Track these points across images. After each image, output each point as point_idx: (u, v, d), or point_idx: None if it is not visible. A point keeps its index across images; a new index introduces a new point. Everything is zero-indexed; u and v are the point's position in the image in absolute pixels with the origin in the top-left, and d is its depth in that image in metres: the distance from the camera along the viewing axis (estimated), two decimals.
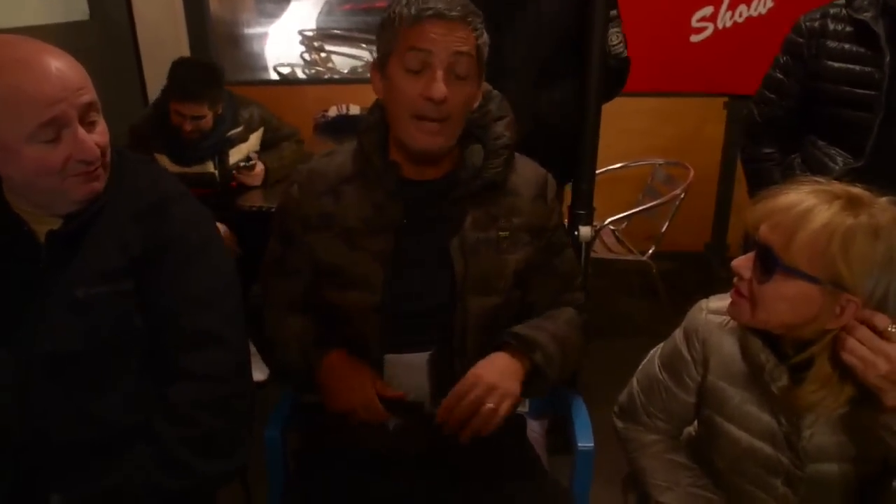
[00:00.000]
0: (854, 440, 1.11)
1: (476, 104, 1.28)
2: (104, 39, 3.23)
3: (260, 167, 2.68)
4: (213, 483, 1.15)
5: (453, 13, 1.16)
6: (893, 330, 1.00)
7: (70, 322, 1.08)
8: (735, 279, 1.12)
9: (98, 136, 1.06)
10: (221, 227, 2.47)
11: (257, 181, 2.67)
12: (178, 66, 2.49)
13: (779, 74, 1.84)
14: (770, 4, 3.26)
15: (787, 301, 1.04)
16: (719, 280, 3.14)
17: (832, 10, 1.73)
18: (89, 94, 1.03)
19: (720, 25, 3.31)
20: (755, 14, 3.28)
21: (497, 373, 1.24)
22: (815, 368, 1.05)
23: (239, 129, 2.65)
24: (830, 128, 1.76)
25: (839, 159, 1.72)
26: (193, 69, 2.51)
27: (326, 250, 1.29)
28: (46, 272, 1.09)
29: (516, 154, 1.36)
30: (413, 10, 1.16)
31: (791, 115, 1.84)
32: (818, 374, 1.05)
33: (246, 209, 2.56)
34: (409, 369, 1.28)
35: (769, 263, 1.04)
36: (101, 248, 1.10)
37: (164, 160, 2.56)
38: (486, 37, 1.22)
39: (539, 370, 1.27)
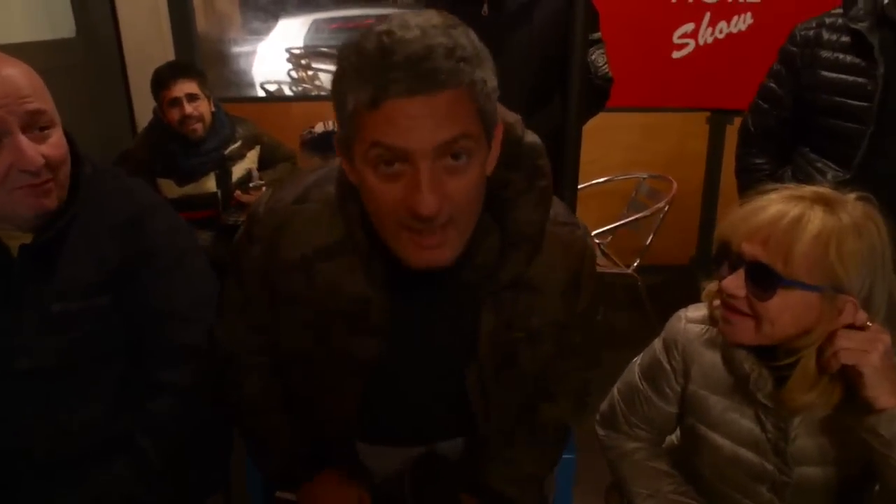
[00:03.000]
0: (836, 443, 1.11)
1: (491, 168, 0.92)
2: (91, 56, 3.23)
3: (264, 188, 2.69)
4: (193, 496, 1.15)
5: (437, 79, 0.77)
6: (871, 324, 1.02)
7: (46, 337, 1.07)
8: (726, 298, 1.08)
9: (48, 148, 1.02)
10: None
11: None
12: (158, 68, 2.54)
13: (772, 84, 1.81)
14: (750, 21, 3.32)
15: (789, 313, 1.03)
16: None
17: (828, 20, 1.70)
18: (36, 103, 1.00)
19: (701, 41, 3.37)
20: (735, 30, 3.34)
21: None
22: (801, 370, 1.05)
23: (237, 144, 2.67)
24: (821, 139, 1.73)
25: (829, 173, 1.69)
26: (172, 62, 2.61)
27: (294, 338, 1.05)
28: (21, 287, 1.07)
29: (548, 226, 1.02)
30: (371, 83, 0.78)
31: (783, 126, 1.81)
32: (805, 374, 1.05)
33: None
34: (387, 459, 1.18)
35: (769, 281, 1.02)
36: (77, 262, 1.09)
37: (167, 185, 2.57)
38: (491, 82, 0.86)
39: None
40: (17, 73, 1.00)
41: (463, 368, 1.03)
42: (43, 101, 1.02)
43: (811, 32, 1.71)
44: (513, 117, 0.99)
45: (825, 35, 1.68)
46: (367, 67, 0.79)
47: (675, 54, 3.40)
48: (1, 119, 0.97)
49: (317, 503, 1.11)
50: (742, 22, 3.33)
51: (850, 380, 1.03)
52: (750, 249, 1.04)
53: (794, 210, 1.02)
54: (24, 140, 0.99)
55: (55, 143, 1.04)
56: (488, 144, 0.88)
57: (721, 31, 3.35)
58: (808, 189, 1.06)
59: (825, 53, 1.68)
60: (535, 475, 1.20)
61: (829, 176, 1.69)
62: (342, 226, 0.98)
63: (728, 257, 1.07)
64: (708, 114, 3.60)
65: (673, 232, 3.49)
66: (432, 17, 0.82)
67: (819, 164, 1.72)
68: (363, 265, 0.97)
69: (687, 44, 3.38)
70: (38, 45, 2.87)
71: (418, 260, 0.88)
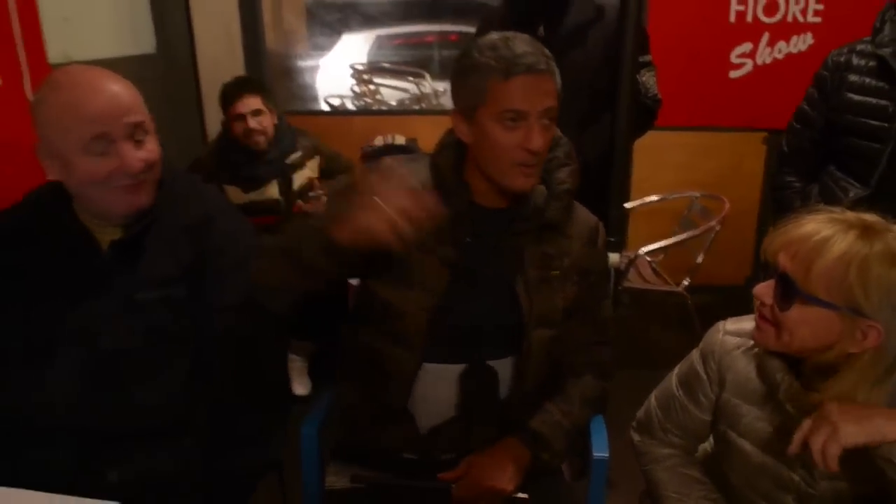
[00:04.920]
0: (862, 459, 1.13)
1: None
2: (168, 71, 3.44)
3: (324, 197, 2.82)
4: (249, 472, 1.24)
5: (541, 66, 1.22)
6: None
7: (128, 322, 1.20)
8: (757, 304, 1.16)
9: (145, 153, 1.19)
10: None
11: (319, 209, 2.80)
12: (225, 83, 2.72)
13: (805, 106, 1.93)
14: (810, 41, 3.30)
15: (808, 326, 1.08)
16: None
17: (859, 46, 1.81)
18: (138, 116, 1.17)
19: (759, 62, 3.36)
20: (795, 51, 3.32)
21: (490, 472, 1.32)
22: (835, 387, 1.08)
23: (298, 154, 2.81)
24: (845, 158, 1.83)
25: (851, 190, 1.78)
26: (238, 78, 2.77)
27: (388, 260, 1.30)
28: (108, 277, 1.22)
29: (575, 202, 1.42)
30: (503, 65, 1.20)
31: (814, 146, 1.91)
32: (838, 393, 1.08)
33: None
34: (440, 380, 1.36)
35: (789, 291, 1.08)
36: (157, 256, 1.23)
37: (233, 191, 2.72)
38: (559, 79, 1.27)
39: (543, 467, 1.37)
40: (122, 90, 1.17)
41: (512, 281, 1.33)
42: (142, 113, 1.19)
43: (842, 58, 1.83)
44: (557, 131, 1.36)
45: (855, 60, 1.80)
46: (500, 52, 1.21)
47: (733, 74, 3.40)
48: (109, 130, 1.14)
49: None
50: (802, 42, 3.31)
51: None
52: (781, 260, 1.09)
53: (828, 230, 1.06)
54: (127, 148, 1.16)
55: (151, 149, 1.20)
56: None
57: (780, 52, 3.33)
58: (852, 214, 1.10)
59: (853, 77, 1.79)
60: (562, 424, 1.40)
61: (852, 193, 1.78)
62: (436, 176, 1.33)
63: (768, 266, 1.13)
64: (765, 134, 3.57)
65: (728, 252, 3.46)
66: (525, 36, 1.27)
67: (843, 183, 1.82)
68: (450, 195, 1.29)
69: (744, 63, 3.37)
70: (121, 60, 3.08)
71: (522, 184, 1.27)
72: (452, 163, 1.34)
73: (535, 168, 1.27)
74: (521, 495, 1.33)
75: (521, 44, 1.23)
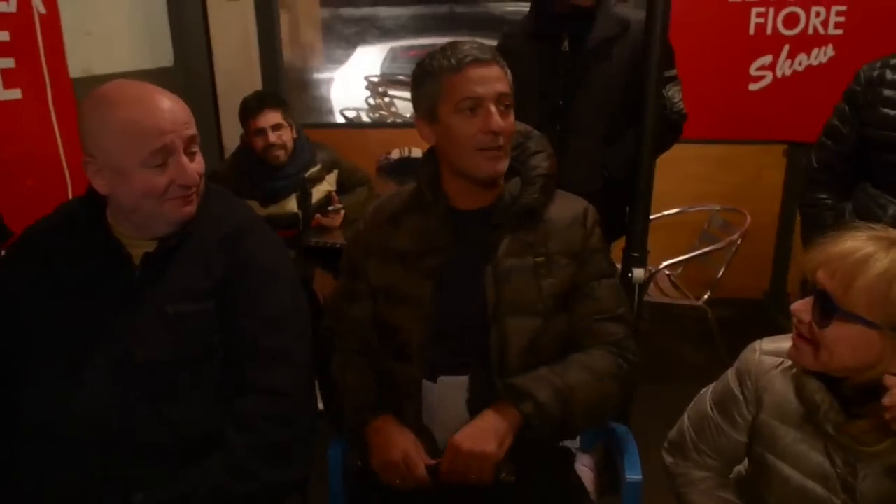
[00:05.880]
0: None
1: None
2: (186, 85, 3.46)
3: (342, 211, 2.82)
4: (275, 491, 1.22)
5: (487, 56, 1.31)
6: None
7: (159, 335, 1.19)
8: (795, 322, 1.13)
9: (197, 165, 1.21)
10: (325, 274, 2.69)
11: (337, 223, 2.80)
12: (245, 98, 2.71)
13: (836, 121, 1.89)
14: (831, 54, 3.27)
15: (847, 345, 1.05)
16: (779, 328, 3.09)
17: (892, 61, 1.78)
18: (192, 129, 1.20)
19: (779, 74, 3.32)
20: (815, 63, 3.28)
21: (472, 438, 1.26)
22: (874, 420, 1.05)
23: (317, 167, 2.80)
24: (882, 174, 1.79)
25: (890, 208, 1.74)
26: (258, 92, 2.77)
27: (383, 272, 1.42)
28: (140, 290, 1.21)
29: (560, 191, 1.45)
30: (453, 61, 1.30)
31: (846, 162, 1.87)
32: (876, 426, 1.05)
33: (328, 245, 2.70)
34: (449, 391, 1.35)
35: (828, 309, 1.06)
36: (189, 269, 1.23)
37: (251, 205, 2.71)
38: (509, 72, 1.36)
39: (529, 421, 1.28)
40: (176, 104, 1.19)
41: (482, 274, 1.35)
42: (194, 126, 1.21)
43: (875, 73, 1.80)
44: (527, 126, 1.48)
45: (888, 75, 1.77)
46: (448, 52, 1.32)
47: (752, 86, 3.36)
48: (171, 143, 1.16)
49: (381, 430, 1.33)
50: (823, 55, 3.27)
51: None
52: (820, 277, 1.07)
53: (869, 248, 1.04)
54: (185, 160, 1.18)
55: (200, 161, 1.23)
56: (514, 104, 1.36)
57: (800, 64, 3.30)
58: (894, 231, 1.08)
59: (887, 92, 1.76)
60: (548, 379, 1.32)
61: (891, 210, 1.74)
62: (416, 194, 1.44)
63: (806, 283, 1.11)
64: (785, 147, 3.54)
65: (747, 265, 3.43)
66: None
67: (882, 200, 1.78)
68: (430, 208, 1.40)
69: (764, 76, 3.34)
70: (141, 73, 3.11)
71: (489, 169, 1.33)
72: (430, 176, 1.42)
73: (501, 151, 1.33)
74: (505, 477, 1.27)
75: (466, 43, 1.33)
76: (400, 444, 1.30)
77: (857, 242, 1.06)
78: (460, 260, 1.38)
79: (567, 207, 1.43)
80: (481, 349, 1.34)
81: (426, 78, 1.34)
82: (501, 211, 1.38)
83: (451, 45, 1.34)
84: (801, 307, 1.11)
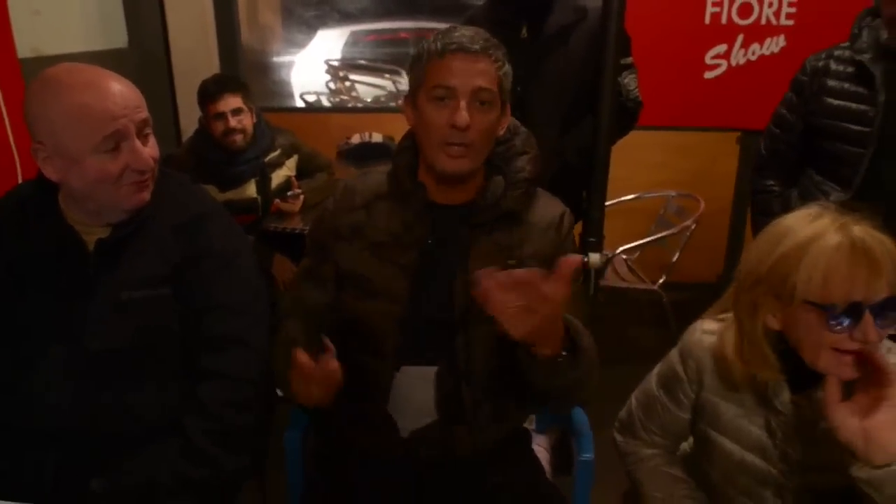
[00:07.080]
0: (839, 451, 1.15)
1: (502, 131, 1.35)
2: (141, 66, 3.39)
3: (302, 196, 2.79)
4: (233, 476, 1.23)
5: (475, 46, 1.25)
6: None
7: (114, 322, 1.18)
8: (858, 347, 1.06)
9: (151, 150, 1.19)
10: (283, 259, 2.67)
11: (296, 208, 2.78)
12: (204, 81, 2.66)
13: (783, 110, 1.95)
14: (783, 44, 3.36)
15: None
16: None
17: (836, 52, 1.85)
18: (145, 112, 1.18)
19: (734, 63, 3.41)
20: (768, 52, 3.37)
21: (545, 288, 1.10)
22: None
23: (276, 152, 2.78)
24: (826, 162, 1.86)
25: (832, 194, 1.82)
26: (218, 75, 2.73)
27: (354, 260, 1.36)
28: (94, 277, 1.20)
29: (540, 191, 1.42)
30: (439, 46, 1.26)
31: (792, 150, 1.94)
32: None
33: (287, 231, 2.68)
34: (418, 381, 1.35)
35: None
36: (144, 256, 1.22)
37: (209, 190, 2.66)
38: (507, 67, 1.29)
39: (576, 345, 1.21)
40: (127, 87, 1.17)
41: (453, 277, 1.32)
42: (146, 109, 1.19)
43: (820, 63, 1.86)
44: (515, 121, 1.42)
45: (833, 66, 1.83)
46: (440, 36, 1.27)
47: (707, 75, 3.44)
48: (124, 127, 1.14)
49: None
50: (775, 44, 3.36)
51: None
52: (868, 295, 1.04)
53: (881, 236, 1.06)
54: (138, 144, 1.16)
55: (154, 145, 1.21)
56: (502, 107, 1.31)
57: (754, 53, 3.39)
58: (829, 213, 1.11)
59: (832, 82, 1.82)
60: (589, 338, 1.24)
61: (832, 197, 1.81)
62: (392, 181, 1.38)
63: (844, 312, 1.06)
64: (739, 134, 3.62)
65: (701, 250, 3.51)
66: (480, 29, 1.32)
67: (824, 187, 1.85)
68: (407, 198, 1.35)
69: (719, 65, 3.42)
70: (93, 54, 3.03)
71: (450, 165, 1.28)
72: (407, 164, 1.37)
73: (464, 150, 1.26)
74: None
75: (464, 29, 1.28)
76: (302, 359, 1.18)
77: (865, 244, 1.05)
78: (435, 257, 1.34)
79: (545, 210, 1.39)
80: (449, 349, 1.34)
81: (416, 60, 1.31)
82: (482, 211, 1.34)
83: (447, 29, 1.30)
84: (875, 331, 1.04)
